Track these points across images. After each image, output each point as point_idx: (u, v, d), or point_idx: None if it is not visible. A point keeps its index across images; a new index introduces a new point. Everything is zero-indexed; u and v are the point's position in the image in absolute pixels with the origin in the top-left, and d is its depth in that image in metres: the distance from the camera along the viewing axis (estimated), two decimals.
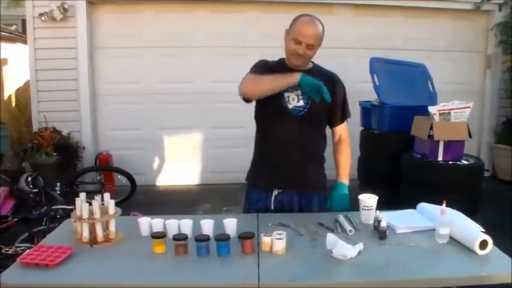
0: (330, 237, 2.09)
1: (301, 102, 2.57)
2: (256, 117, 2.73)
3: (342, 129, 2.76)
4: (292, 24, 2.54)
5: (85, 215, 2.17)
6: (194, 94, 6.48)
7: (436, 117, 4.56)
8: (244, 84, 2.54)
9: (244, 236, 2.09)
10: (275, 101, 2.56)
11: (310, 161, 2.68)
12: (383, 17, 6.61)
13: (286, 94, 2.57)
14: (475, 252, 2.06)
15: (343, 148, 2.76)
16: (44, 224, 3.86)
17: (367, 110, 5.59)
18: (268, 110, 2.65)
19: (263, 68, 2.63)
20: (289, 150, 2.62)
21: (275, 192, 2.67)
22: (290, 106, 2.57)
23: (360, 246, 2.07)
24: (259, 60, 2.72)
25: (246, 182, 2.81)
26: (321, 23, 2.53)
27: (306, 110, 2.57)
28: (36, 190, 4.82)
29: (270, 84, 2.48)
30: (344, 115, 2.74)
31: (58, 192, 4.93)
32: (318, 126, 2.70)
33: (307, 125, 2.61)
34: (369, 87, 5.32)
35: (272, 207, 2.67)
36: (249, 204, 2.75)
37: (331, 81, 2.65)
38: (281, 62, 2.68)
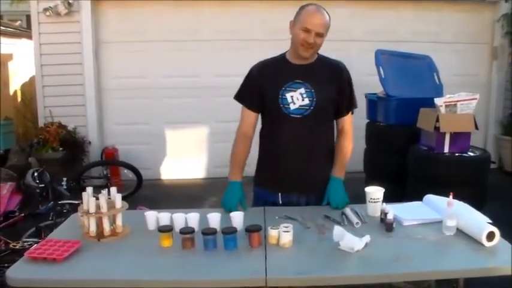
0: (337, 229, 2.09)
1: (307, 101, 2.52)
2: (262, 121, 2.71)
3: (346, 121, 2.67)
4: (299, 14, 2.48)
5: (92, 209, 2.18)
6: (199, 89, 6.47)
7: (442, 109, 4.54)
8: (234, 139, 2.70)
9: (251, 229, 2.09)
10: (277, 105, 2.53)
11: (317, 161, 2.62)
12: (390, 10, 6.57)
13: (289, 95, 2.52)
14: (482, 244, 2.05)
15: (345, 142, 2.67)
16: (51, 218, 3.86)
17: (373, 102, 5.57)
18: (269, 115, 2.63)
19: (257, 77, 2.62)
20: (293, 156, 2.58)
21: (280, 194, 2.66)
22: (294, 106, 2.52)
23: (366, 238, 2.07)
24: (253, 67, 2.67)
25: (252, 178, 2.79)
26: (326, 11, 2.49)
27: (312, 107, 2.52)
28: (43, 185, 4.82)
29: (230, 161, 2.69)
30: (351, 105, 2.67)
31: (64, 187, 4.94)
32: (325, 121, 2.65)
33: (313, 123, 2.56)
34: (375, 80, 5.30)
35: (280, 202, 2.66)
36: (256, 200, 2.74)
37: (338, 70, 2.62)
38: (281, 57, 2.64)
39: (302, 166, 2.59)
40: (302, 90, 2.52)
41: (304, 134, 2.56)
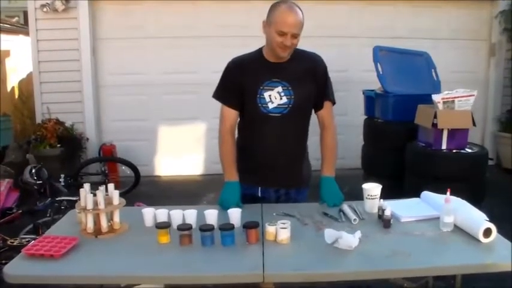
0: (328, 231, 2.07)
1: (285, 99, 2.51)
2: (239, 115, 2.67)
3: (324, 114, 2.65)
4: (272, 15, 2.45)
5: (89, 206, 2.17)
6: (197, 85, 6.44)
7: (440, 106, 4.54)
8: (218, 139, 2.66)
9: (248, 226, 2.09)
10: (255, 104, 2.53)
11: (296, 157, 2.66)
12: (388, 6, 6.55)
13: (266, 94, 2.51)
14: (479, 241, 2.05)
15: (328, 138, 2.66)
16: (48, 215, 3.86)
17: (370, 99, 5.57)
18: (248, 113, 2.61)
19: (236, 75, 2.58)
20: (272, 152, 2.59)
21: (260, 188, 2.67)
22: (273, 105, 2.52)
23: (358, 234, 2.05)
24: (230, 64, 2.63)
25: None
26: (298, 7, 2.44)
27: (290, 105, 2.52)
28: (41, 182, 4.82)
29: (221, 161, 2.63)
30: (325, 95, 2.62)
31: (62, 183, 4.93)
32: (304, 118, 2.64)
33: (292, 121, 2.56)
34: (373, 76, 5.30)
35: (259, 195, 2.66)
36: None
37: (313, 63, 2.60)
38: (258, 54, 2.59)
39: (281, 162, 2.61)
40: (279, 88, 2.51)
41: (283, 132, 2.56)
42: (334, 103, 2.68)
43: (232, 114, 2.64)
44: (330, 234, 2.06)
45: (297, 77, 2.53)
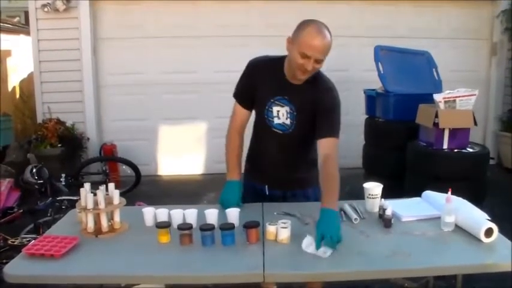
0: (308, 239, 2.02)
1: (289, 121, 2.47)
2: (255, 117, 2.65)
3: (327, 147, 2.37)
4: (298, 34, 2.26)
5: (90, 205, 2.17)
6: (198, 84, 6.47)
7: (441, 105, 4.54)
8: (226, 136, 2.66)
9: (249, 225, 2.09)
10: (262, 114, 2.51)
11: (299, 167, 2.61)
12: (389, 6, 6.54)
13: (275, 108, 2.46)
14: (480, 240, 2.05)
15: (330, 169, 2.31)
16: (49, 215, 3.86)
17: (371, 98, 5.57)
18: (258, 120, 2.59)
19: (252, 76, 2.52)
20: (275, 162, 2.58)
21: (267, 186, 2.65)
22: (278, 121, 2.48)
23: (328, 251, 1.96)
24: (251, 64, 2.54)
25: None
26: (328, 30, 2.26)
27: (291, 129, 2.48)
28: (41, 181, 4.82)
29: (226, 159, 2.64)
30: (329, 130, 2.39)
31: (63, 183, 4.94)
32: (306, 138, 2.56)
33: (294, 140, 2.52)
34: (374, 76, 5.30)
35: (267, 194, 2.65)
36: (244, 187, 2.69)
37: (323, 93, 2.44)
38: (279, 64, 2.46)
39: (285, 170, 2.59)
40: (288, 108, 2.45)
41: (285, 147, 2.54)
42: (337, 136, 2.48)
43: (244, 113, 2.60)
44: (308, 242, 2.01)
45: (304, 104, 2.43)
